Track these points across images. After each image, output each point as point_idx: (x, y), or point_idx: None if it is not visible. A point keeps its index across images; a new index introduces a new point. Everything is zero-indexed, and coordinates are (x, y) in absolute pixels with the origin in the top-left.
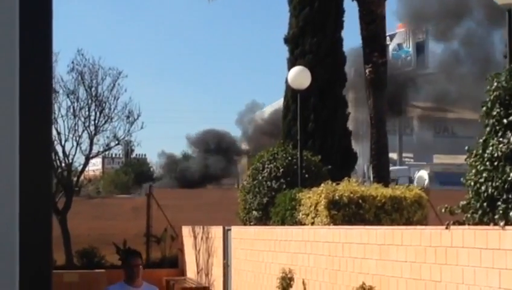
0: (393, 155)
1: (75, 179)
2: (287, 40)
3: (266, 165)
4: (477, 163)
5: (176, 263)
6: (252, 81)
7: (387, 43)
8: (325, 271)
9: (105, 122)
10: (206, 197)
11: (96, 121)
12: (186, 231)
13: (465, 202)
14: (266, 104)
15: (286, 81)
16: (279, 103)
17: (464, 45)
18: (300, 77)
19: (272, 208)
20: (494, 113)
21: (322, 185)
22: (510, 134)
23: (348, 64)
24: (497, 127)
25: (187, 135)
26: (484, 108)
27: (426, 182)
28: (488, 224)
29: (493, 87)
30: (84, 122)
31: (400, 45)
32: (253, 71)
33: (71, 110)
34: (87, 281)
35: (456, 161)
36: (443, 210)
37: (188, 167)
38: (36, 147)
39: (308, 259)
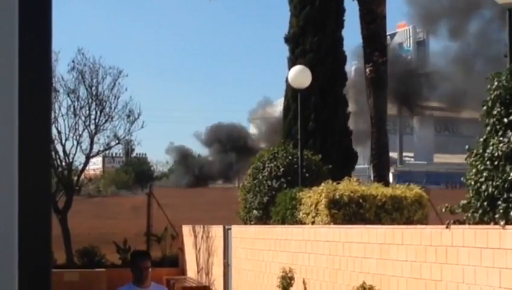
0: (393, 154)
1: (75, 178)
2: (287, 39)
3: (267, 165)
4: (477, 162)
5: (176, 262)
6: (252, 81)
7: (388, 42)
8: (326, 270)
9: (106, 121)
10: (207, 197)
11: (97, 120)
12: (186, 230)
13: (465, 201)
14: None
15: (286, 81)
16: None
17: (476, 43)
18: (300, 76)
19: (272, 207)
20: (495, 112)
21: (323, 184)
22: (510, 133)
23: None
24: (498, 127)
25: (196, 132)
26: (485, 107)
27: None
28: (488, 223)
29: (494, 86)
30: (84, 122)
31: (400, 44)
32: (254, 71)
33: (72, 109)
34: (87, 280)
35: (456, 161)
36: (443, 209)
37: (205, 162)
38: (35, 146)
39: (309, 258)
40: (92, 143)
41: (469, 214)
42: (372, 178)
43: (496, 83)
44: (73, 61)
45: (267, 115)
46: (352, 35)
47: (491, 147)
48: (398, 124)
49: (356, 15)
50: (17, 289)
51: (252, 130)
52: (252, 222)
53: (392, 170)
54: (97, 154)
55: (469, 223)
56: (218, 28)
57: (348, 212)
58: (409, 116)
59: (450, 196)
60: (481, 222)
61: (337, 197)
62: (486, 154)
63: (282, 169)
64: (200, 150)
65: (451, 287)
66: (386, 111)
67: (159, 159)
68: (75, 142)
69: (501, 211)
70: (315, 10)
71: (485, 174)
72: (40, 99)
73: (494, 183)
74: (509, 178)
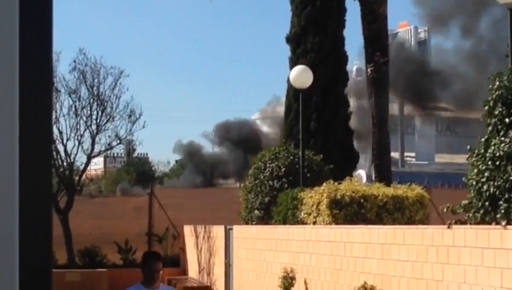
0: (395, 154)
1: (76, 178)
2: (288, 39)
3: (268, 165)
4: (479, 162)
5: (177, 262)
6: (253, 81)
7: (389, 42)
8: (327, 270)
9: (107, 121)
10: (208, 197)
11: (98, 120)
12: (188, 230)
13: (467, 202)
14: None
15: (288, 80)
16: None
17: (488, 42)
18: (302, 76)
19: (273, 208)
20: (496, 112)
21: (324, 184)
22: None
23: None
24: (499, 127)
25: (204, 132)
26: (486, 107)
27: (364, 180)
28: (490, 223)
29: (495, 86)
30: (86, 122)
31: (401, 44)
32: (254, 71)
33: (73, 109)
34: (89, 280)
35: (456, 161)
36: (445, 209)
37: (217, 160)
38: (36, 146)
39: (310, 258)
40: (93, 143)
41: (470, 214)
42: (366, 179)
43: (497, 83)
44: (74, 62)
45: (276, 114)
46: (357, 36)
47: (492, 147)
48: (399, 124)
49: (358, 15)
50: (18, 289)
51: (262, 127)
52: (254, 222)
53: (365, 170)
54: (98, 154)
55: (470, 223)
56: (219, 28)
57: (350, 212)
58: (411, 117)
59: (452, 196)
60: (482, 222)
61: (339, 197)
62: (487, 154)
63: (283, 169)
64: (210, 149)
65: (452, 287)
66: (387, 111)
67: (161, 159)
68: (77, 142)
69: (502, 211)
70: (316, 10)
71: (486, 174)
72: (41, 99)
73: (495, 184)
74: (511, 178)
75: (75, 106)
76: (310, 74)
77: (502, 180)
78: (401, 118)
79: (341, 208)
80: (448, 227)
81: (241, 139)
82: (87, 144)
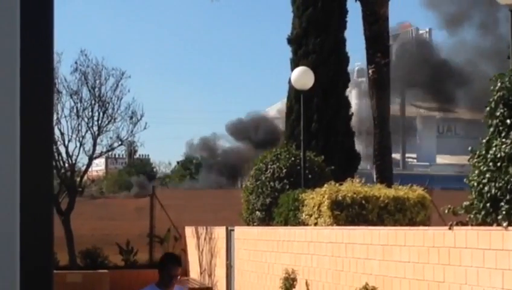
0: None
1: (78, 179)
2: (290, 41)
3: (269, 166)
4: (480, 164)
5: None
6: (254, 82)
7: (390, 43)
8: (328, 272)
9: (109, 122)
10: (209, 198)
11: (100, 122)
12: (189, 231)
13: (468, 203)
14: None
15: (289, 82)
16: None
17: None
18: (303, 77)
19: (275, 209)
20: (498, 113)
21: (325, 185)
22: None
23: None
24: (501, 128)
25: (213, 134)
26: (488, 108)
27: None
28: (491, 224)
29: (497, 87)
30: (87, 123)
31: (402, 45)
32: (256, 72)
33: (74, 110)
34: (90, 281)
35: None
36: (446, 211)
37: (236, 158)
38: (37, 147)
39: (311, 259)
40: (94, 144)
41: (472, 216)
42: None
43: (499, 84)
44: (76, 63)
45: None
46: (360, 37)
47: (494, 148)
48: (401, 125)
49: (359, 16)
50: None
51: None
52: (255, 223)
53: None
54: (100, 155)
55: (472, 225)
56: (220, 29)
57: (351, 213)
58: (413, 118)
59: (453, 197)
60: (484, 223)
61: (340, 198)
62: (489, 156)
63: (284, 170)
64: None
65: (453, 288)
66: (388, 112)
67: (161, 159)
68: (78, 144)
69: (504, 212)
70: (318, 11)
71: (487, 175)
72: (42, 100)
73: (496, 185)
74: None
75: (77, 107)
76: (311, 75)
77: (503, 182)
78: (402, 119)
79: (342, 209)
80: (450, 228)
81: (261, 137)
82: (88, 145)
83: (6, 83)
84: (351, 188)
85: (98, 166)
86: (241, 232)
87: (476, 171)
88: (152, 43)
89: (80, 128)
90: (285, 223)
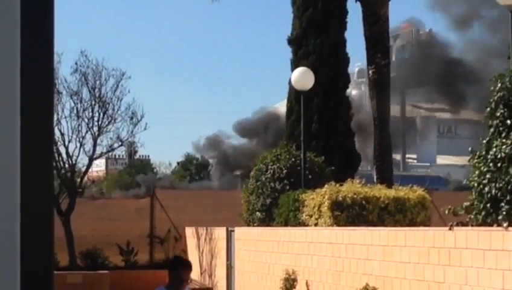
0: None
1: (78, 180)
2: (290, 41)
3: (269, 166)
4: (480, 164)
5: None
6: (255, 81)
7: (391, 44)
8: (329, 272)
9: (109, 123)
10: (210, 198)
11: (100, 122)
12: (189, 232)
13: (468, 203)
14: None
15: (289, 82)
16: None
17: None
18: (303, 78)
19: (275, 209)
20: (498, 114)
21: (326, 186)
22: None
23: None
24: (501, 128)
25: (219, 131)
26: (488, 109)
27: None
28: (491, 225)
29: (497, 88)
30: (87, 123)
31: (403, 46)
32: (256, 72)
33: (74, 111)
34: (90, 282)
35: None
36: (446, 211)
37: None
38: (37, 147)
39: (312, 260)
40: (95, 145)
41: (472, 216)
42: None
43: (499, 85)
44: (76, 63)
45: None
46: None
47: (494, 149)
48: (401, 125)
49: (359, 17)
50: None
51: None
52: (255, 224)
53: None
54: (100, 156)
55: (472, 225)
56: (221, 30)
57: (351, 214)
58: (413, 118)
59: (453, 198)
60: (484, 223)
61: (340, 199)
62: (489, 156)
63: (285, 171)
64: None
65: (454, 289)
66: (388, 113)
67: (162, 160)
68: (78, 144)
69: (504, 212)
70: (318, 12)
71: (488, 176)
72: (42, 101)
73: (497, 185)
74: None
75: (77, 108)
76: (311, 75)
77: (503, 182)
78: (403, 120)
79: (342, 209)
80: (450, 229)
81: (272, 134)
82: (88, 145)
83: (6, 83)
84: (351, 188)
85: (98, 167)
86: (241, 233)
87: (477, 172)
88: (152, 43)
89: (80, 128)
90: (286, 224)
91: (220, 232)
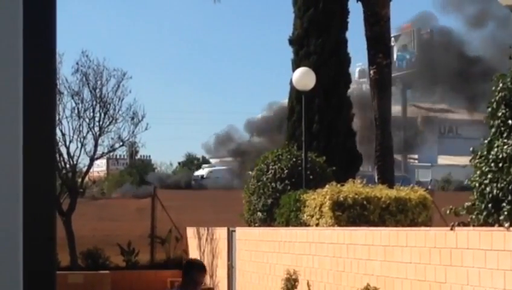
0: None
1: (79, 180)
2: (291, 41)
3: (271, 167)
4: (482, 164)
5: (180, 264)
6: (256, 82)
7: (392, 44)
8: (330, 272)
9: (110, 123)
10: (211, 199)
11: (101, 122)
12: (190, 232)
13: (470, 203)
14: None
15: (291, 82)
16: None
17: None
18: (304, 78)
19: (276, 209)
20: (499, 114)
21: (327, 186)
22: None
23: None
24: (502, 128)
25: (231, 126)
26: (489, 109)
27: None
28: (492, 225)
29: (498, 88)
30: (88, 124)
31: (404, 46)
32: (258, 72)
33: (76, 111)
34: (91, 282)
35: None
36: (448, 211)
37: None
38: (39, 147)
39: (313, 260)
40: (96, 145)
41: (473, 216)
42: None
43: (500, 85)
44: (77, 64)
45: None
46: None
47: (495, 149)
48: (403, 125)
49: (360, 17)
50: None
51: None
52: (256, 224)
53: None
54: (101, 156)
55: (473, 225)
56: (222, 30)
57: (352, 214)
58: (414, 118)
59: (455, 198)
60: (485, 223)
61: (341, 199)
62: (490, 156)
63: (286, 171)
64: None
65: (455, 289)
66: (390, 113)
67: (163, 160)
68: (79, 144)
69: (505, 213)
70: (319, 12)
71: (489, 176)
72: (44, 101)
73: (498, 185)
74: None
75: (78, 108)
76: (312, 75)
77: (504, 182)
78: (404, 120)
79: (344, 210)
80: (451, 229)
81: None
82: (89, 146)
83: (9, 83)
84: (352, 188)
85: (99, 167)
86: (242, 233)
87: (478, 172)
88: (154, 43)
89: (81, 129)
90: (287, 224)
91: (221, 233)
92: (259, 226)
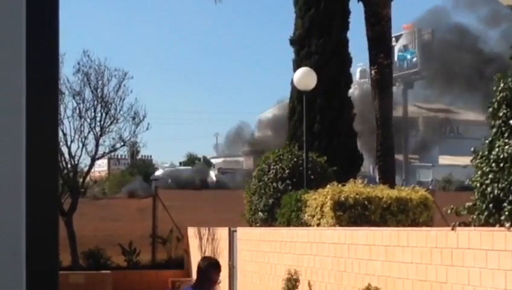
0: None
1: (80, 180)
2: (292, 41)
3: (272, 167)
4: (483, 164)
5: (181, 264)
6: (257, 83)
7: (393, 44)
8: (331, 272)
9: (111, 123)
10: (212, 199)
11: (102, 122)
12: (191, 232)
13: (471, 203)
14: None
15: (292, 83)
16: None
17: None
18: (306, 78)
19: (277, 209)
20: (501, 114)
21: (328, 186)
22: None
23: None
24: (503, 128)
25: (242, 122)
26: (491, 109)
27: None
28: (494, 225)
29: (500, 88)
30: (90, 124)
31: (405, 46)
32: (258, 73)
33: (77, 111)
34: (92, 282)
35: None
36: (449, 211)
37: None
38: (42, 148)
39: (314, 260)
40: (97, 145)
41: (474, 216)
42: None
43: (501, 85)
44: (78, 63)
45: None
46: (358, 37)
47: (496, 149)
48: (404, 125)
49: (362, 17)
50: None
51: None
52: (257, 224)
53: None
54: (102, 156)
55: (474, 225)
56: (223, 30)
57: (354, 214)
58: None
59: (456, 198)
60: (486, 223)
61: (343, 199)
62: (491, 156)
63: (287, 171)
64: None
65: (456, 289)
66: (391, 113)
67: (164, 160)
68: (81, 144)
69: (506, 213)
70: (320, 12)
71: (490, 176)
72: (47, 102)
73: (499, 185)
74: None
75: (79, 108)
76: (313, 75)
77: (506, 182)
78: (405, 120)
79: (345, 210)
80: (452, 229)
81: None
82: (91, 146)
83: (12, 84)
84: (353, 188)
85: (101, 167)
86: (243, 233)
87: (479, 172)
88: (155, 43)
89: (82, 129)
90: (288, 224)
91: (222, 233)
92: (261, 226)
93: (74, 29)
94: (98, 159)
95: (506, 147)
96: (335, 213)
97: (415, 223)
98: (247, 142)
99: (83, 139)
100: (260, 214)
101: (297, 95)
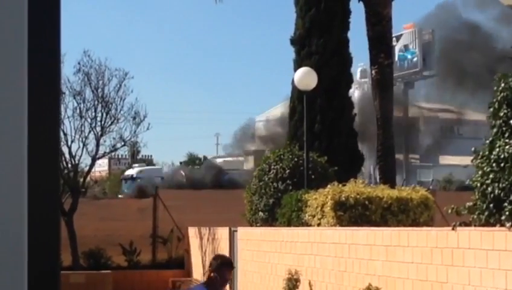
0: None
1: (81, 180)
2: (293, 41)
3: (272, 167)
4: (483, 164)
5: (182, 264)
6: (257, 83)
7: (394, 44)
8: (331, 272)
9: (112, 123)
10: (212, 198)
11: (103, 122)
12: (192, 232)
13: (471, 203)
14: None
15: (292, 82)
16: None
17: None
18: (306, 78)
19: (278, 209)
20: (501, 114)
21: (329, 186)
22: None
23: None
24: (504, 128)
25: (248, 119)
26: (491, 109)
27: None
28: (494, 225)
29: (500, 88)
30: (90, 123)
31: (406, 46)
32: (258, 73)
33: (77, 111)
34: (93, 282)
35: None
36: (449, 211)
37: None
38: (44, 148)
39: (314, 260)
40: (97, 145)
41: (475, 216)
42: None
43: (502, 85)
44: (79, 63)
45: None
46: (358, 37)
47: (497, 149)
48: (404, 125)
49: (362, 17)
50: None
51: None
52: (258, 224)
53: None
54: (103, 156)
55: (475, 225)
56: (224, 30)
57: (354, 214)
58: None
59: (456, 198)
60: (487, 223)
61: (343, 199)
62: (492, 156)
63: (288, 171)
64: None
65: (457, 289)
66: (391, 113)
67: (164, 160)
68: (81, 144)
69: (507, 213)
70: (321, 12)
71: (491, 176)
72: (49, 101)
73: (500, 185)
74: None
75: (80, 108)
76: (314, 75)
77: (506, 182)
78: (406, 120)
79: (345, 210)
80: (453, 229)
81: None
82: (91, 145)
83: (13, 84)
84: (354, 188)
85: (101, 166)
86: (244, 233)
87: (480, 172)
88: (156, 43)
89: (83, 128)
90: (288, 224)
91: (222, 232)
92: (261, 226)
93: (75, 29)
94: (99, 159)
95: (507, 147)
96: (335, 213)
97: (415, 223)
98: (256, 138)
99: (84, 139)
100: (261, 214)
101: (297, 95)
